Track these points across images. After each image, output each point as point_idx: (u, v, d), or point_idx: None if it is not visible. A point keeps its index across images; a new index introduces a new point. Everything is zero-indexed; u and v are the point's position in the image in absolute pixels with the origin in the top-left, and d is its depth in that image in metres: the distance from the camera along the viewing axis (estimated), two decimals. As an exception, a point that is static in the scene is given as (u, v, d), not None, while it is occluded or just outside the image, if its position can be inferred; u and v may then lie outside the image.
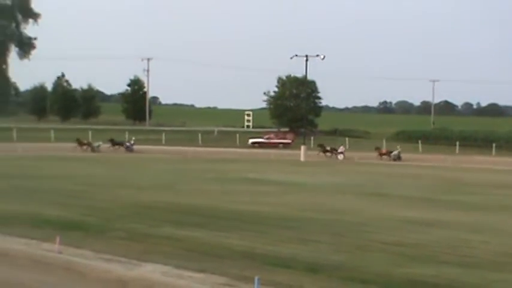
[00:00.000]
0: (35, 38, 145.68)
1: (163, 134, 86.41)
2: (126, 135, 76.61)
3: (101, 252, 18.96)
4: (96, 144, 64.62)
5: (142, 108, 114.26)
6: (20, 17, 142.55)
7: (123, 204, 28.40)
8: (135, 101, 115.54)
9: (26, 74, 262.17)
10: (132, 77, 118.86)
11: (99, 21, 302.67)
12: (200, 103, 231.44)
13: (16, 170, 43.31)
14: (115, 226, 23.01)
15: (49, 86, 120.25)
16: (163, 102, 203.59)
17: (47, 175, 40.71)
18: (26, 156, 55.45)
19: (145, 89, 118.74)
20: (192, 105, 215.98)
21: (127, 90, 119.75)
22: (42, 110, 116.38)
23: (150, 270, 17.34)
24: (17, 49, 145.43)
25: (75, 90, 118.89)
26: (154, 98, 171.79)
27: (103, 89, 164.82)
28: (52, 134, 79.24)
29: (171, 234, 21.73)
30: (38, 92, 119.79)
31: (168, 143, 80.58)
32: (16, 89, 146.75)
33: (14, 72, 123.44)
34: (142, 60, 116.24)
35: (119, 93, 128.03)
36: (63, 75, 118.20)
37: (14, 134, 76.10)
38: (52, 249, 19.16)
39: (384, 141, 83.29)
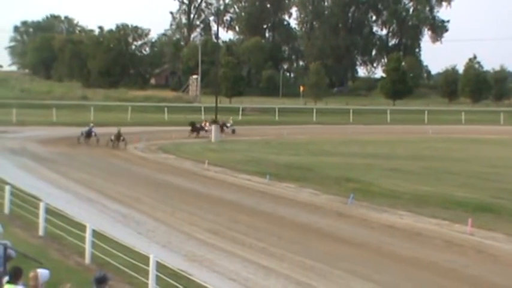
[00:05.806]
0: (448, 21, 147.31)
1: None
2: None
3: (513, 236, 18.61)
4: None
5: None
6: (433, 1, 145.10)
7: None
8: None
9: (438, 57, 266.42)
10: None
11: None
12: None
13: (427, 152, 44.12)
14: (528, 210, 22.28)
15: (460, 69, 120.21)
16: None
17: (456, 157, 40.72)
18: (436, 138, 56.11)
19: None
20: None
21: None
22: (453, 93, 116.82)
23: None
24: (429, 32, 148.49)
25: (487, 71, 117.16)
26: None
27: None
28: (463, 116, 79.10)
29: None
30: (449, 74, 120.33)
31: None
32: (428, 72, 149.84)
33: (425, 56, 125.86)
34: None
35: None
36: (474, 57, 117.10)
37: (425, 117, 77.65)
38: (463, 231, 19.27)
39: None
